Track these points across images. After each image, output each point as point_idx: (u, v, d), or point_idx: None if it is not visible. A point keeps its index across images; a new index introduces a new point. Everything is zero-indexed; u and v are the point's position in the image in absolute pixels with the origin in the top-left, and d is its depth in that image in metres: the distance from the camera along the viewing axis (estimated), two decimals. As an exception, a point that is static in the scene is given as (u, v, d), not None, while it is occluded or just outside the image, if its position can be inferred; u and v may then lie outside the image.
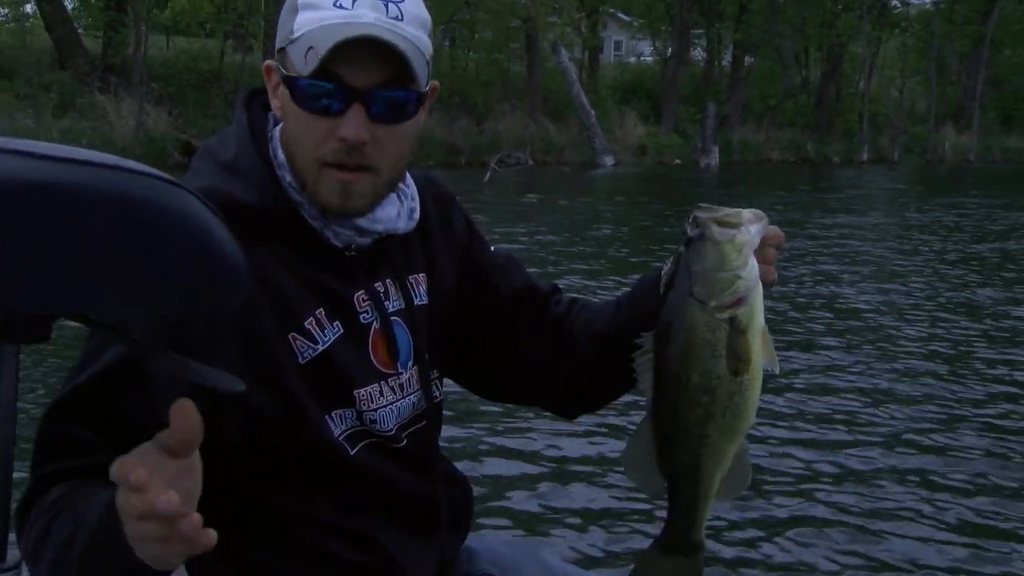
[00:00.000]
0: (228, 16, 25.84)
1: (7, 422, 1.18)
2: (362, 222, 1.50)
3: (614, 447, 5.25)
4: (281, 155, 1.49)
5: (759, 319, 1.35)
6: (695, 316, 1.34)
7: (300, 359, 1.47)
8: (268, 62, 1.47)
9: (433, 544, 1.64)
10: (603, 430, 5.51)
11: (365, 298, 1.54)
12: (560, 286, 1.80)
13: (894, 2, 39.37)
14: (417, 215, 1.60)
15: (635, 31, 40.68)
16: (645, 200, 19.83)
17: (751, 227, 1.35)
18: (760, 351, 1.35)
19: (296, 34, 1.39)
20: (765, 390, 1.42)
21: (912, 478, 5.00)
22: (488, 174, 22.86)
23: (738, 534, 4.35)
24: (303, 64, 1.38)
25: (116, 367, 1.34)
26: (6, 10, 25.87)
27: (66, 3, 26.91)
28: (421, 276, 1.63)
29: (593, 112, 28.60)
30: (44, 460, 1.34)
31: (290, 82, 1.41)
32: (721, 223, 1.34)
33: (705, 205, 1.37)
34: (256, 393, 1.39)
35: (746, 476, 1.41)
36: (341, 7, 1.37)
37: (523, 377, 1.71)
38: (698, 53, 37.96)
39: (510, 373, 1.72)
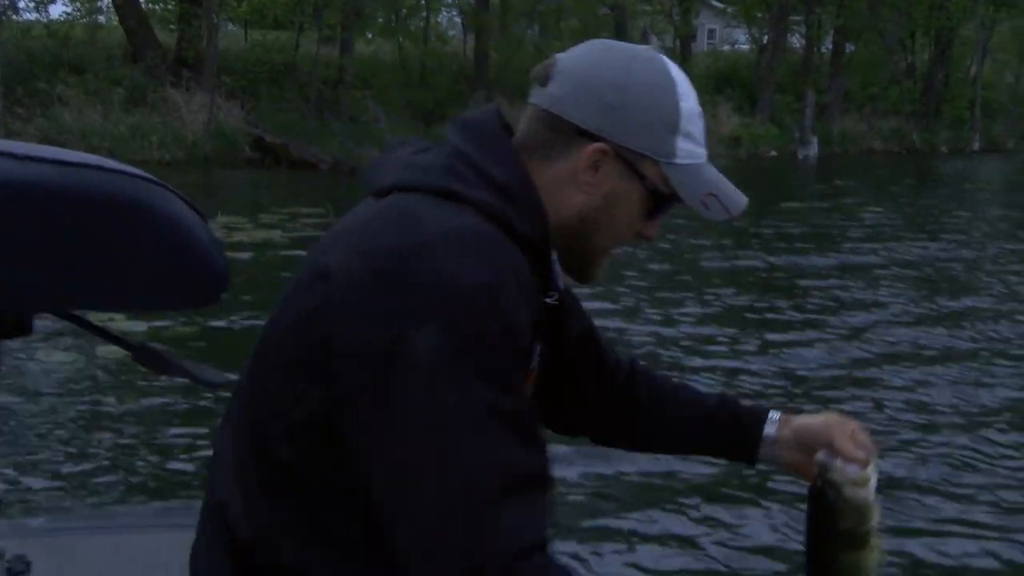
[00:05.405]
0: (305, 7, 25.18)
1: None
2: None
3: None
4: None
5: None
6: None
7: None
8: (605, 147, 1.43)
9: None
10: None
11: (537, 346, 1.52)
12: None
13: (1010, -19, 37.09)
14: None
15: (730, 18, 39.22)
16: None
17: (873, 477, 1.45)
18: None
19: (681, 161, 1.46)
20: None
21: None
22: (572, 168, 21.69)
23: None
24: (681, 185, 1.47)
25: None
26: (78, 5, 25.50)
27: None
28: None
29: (684, 102, 27.23)
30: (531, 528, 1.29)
31: (662, 199, 1.48)
32: (856, 484, 1.45)
33: (826, 459, 1.46)
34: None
35: None
36: (702, 147, 1.49)
37: (579, 412, 1.77)
38: (796, 40, 36.34)
39: (571, 409, 1.75)
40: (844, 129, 31.83)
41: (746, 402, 1.70)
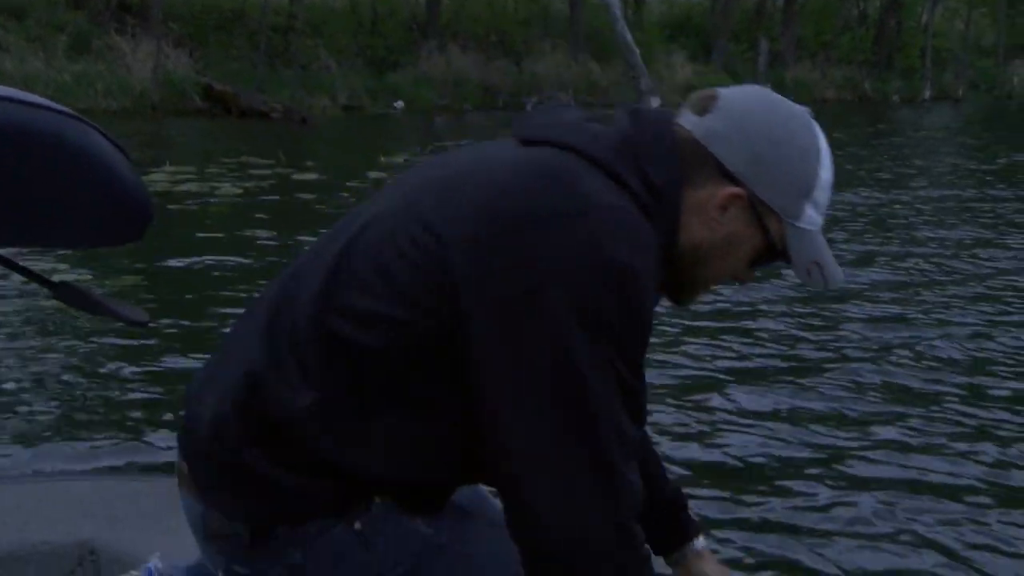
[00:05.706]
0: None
1: None
2: None
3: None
4: None
5: None
6: None
7: None
8: (742, 192, 1.49)
9: None
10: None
11: None
12: None
13: (962, -72, 37.26)
14: None
15: (683, -36, 39.02)
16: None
17: None
18: None
19: (802, 225, 1.51)
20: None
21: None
22: (526, 117, 21.58)
23: None
24: (795, 248, 1.53)
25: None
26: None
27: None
28: None
29: (638, 51, 27.12)
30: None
31: (775, 253, 1.54)
32: None
33: None
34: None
35: None
36: (821, 217, 1.54)
37: None
38: (750, -14, 36.30)
39: None
40: (797, 77, 31.89)
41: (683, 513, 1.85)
